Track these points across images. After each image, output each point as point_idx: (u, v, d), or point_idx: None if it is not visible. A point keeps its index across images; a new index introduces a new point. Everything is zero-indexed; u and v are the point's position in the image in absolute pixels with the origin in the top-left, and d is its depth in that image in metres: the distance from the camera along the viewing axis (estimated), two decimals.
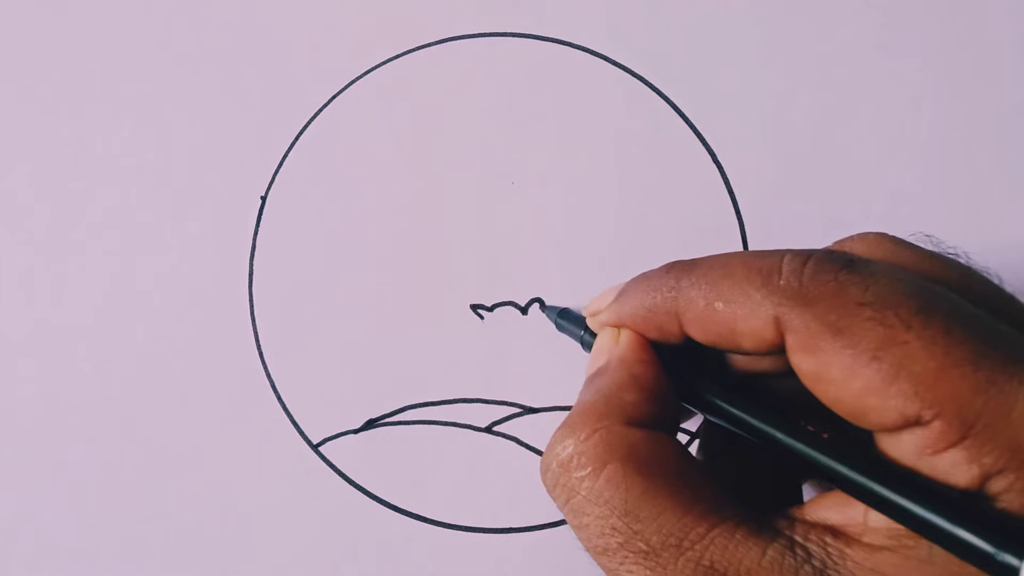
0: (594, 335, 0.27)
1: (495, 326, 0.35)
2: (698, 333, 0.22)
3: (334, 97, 0.37)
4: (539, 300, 0.35)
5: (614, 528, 0.20)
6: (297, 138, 0.36)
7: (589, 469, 0.20)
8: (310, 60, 0.37)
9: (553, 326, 0.33)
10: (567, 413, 0.24)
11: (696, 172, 0.35)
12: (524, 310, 0.35)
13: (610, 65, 0.36)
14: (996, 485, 0.17)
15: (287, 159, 0.36)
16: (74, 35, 0.38)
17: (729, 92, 0.35)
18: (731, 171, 0.35)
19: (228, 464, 0.35)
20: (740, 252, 0.22)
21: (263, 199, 0.36)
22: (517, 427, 0.34)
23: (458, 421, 0.34)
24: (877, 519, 0.19)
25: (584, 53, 0.36)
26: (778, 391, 0.23)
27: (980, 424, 0.17)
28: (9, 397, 0.36)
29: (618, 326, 0.24)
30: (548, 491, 0.22)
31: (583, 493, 0.20)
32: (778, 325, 0.20)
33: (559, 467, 0.21)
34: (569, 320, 0.31)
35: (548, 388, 0.34)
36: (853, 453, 0.19)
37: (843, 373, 0.18)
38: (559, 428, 0.22)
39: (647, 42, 0.36)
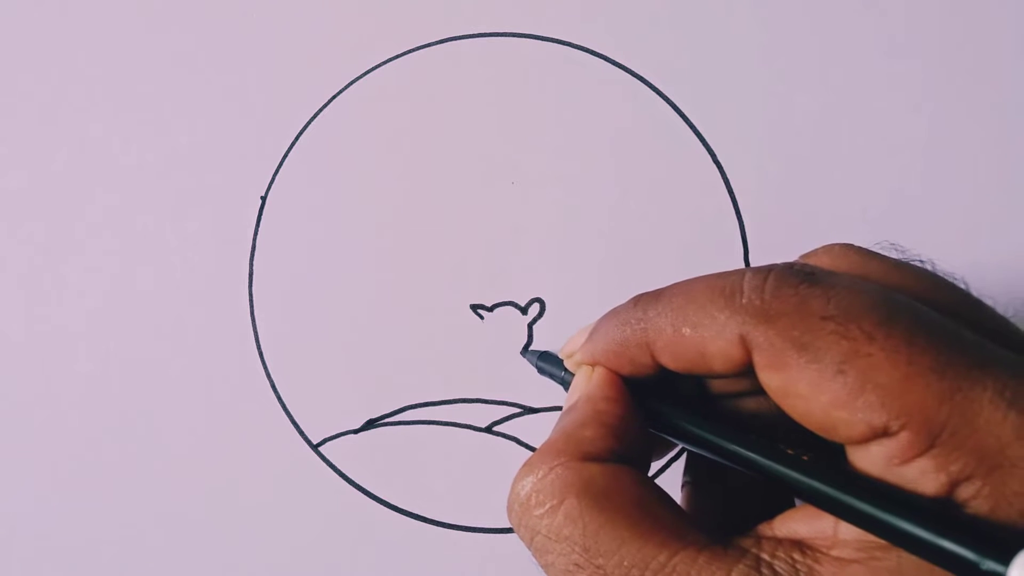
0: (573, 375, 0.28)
1: (495, 326, 0.35)
2: (670, 361, 0.22)
3: (334, 97, 0.37)
4: (539, 300, 0.35)
5: (577, 564, 0.20)
6: (297, 138, 0.36)
7: (547, 506, 0.20)
8: (310, 60, 0.37)
9: (555, 322, 0.33)
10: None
11: (696, 172, 0.35)
12: (524, 310, 0.35)
13: (610, 65, 0.36)
14: (964, 492, 0.17)
15: (287, 159, 0.36)
16: (74, 35, 0.38)
17: (729, 92, 0.35)
18: (731, 171, 0.35)
19: (228, 464, 0.35)
20: (703, 276, 0.22)
21: (263, 199, 0.36)
22: (517, 427, 0.34)
23: (458, 421, 0.34)
24: (847, 531, 0.19)
25: (584, 53, 0.36)
26: (760, 412, 0.23)
27: (946, 432, 0.17)
28: (9, 397, 0.36)
29: (592, 364, 0.24)
30: (515, 531, 0.22)
31: (543, 531, 0.20)
32: (744, 344, 0.20)
33: (520, 507, 0.21)
34: (548, 363, 0.31)
35: (548, 388, 0.34)
36: (827, 467, 0.19)
37: (810, 388, 0.19)
38: (520, 468, 0.22)
39: (647, 42, 0.36)
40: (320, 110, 0.36)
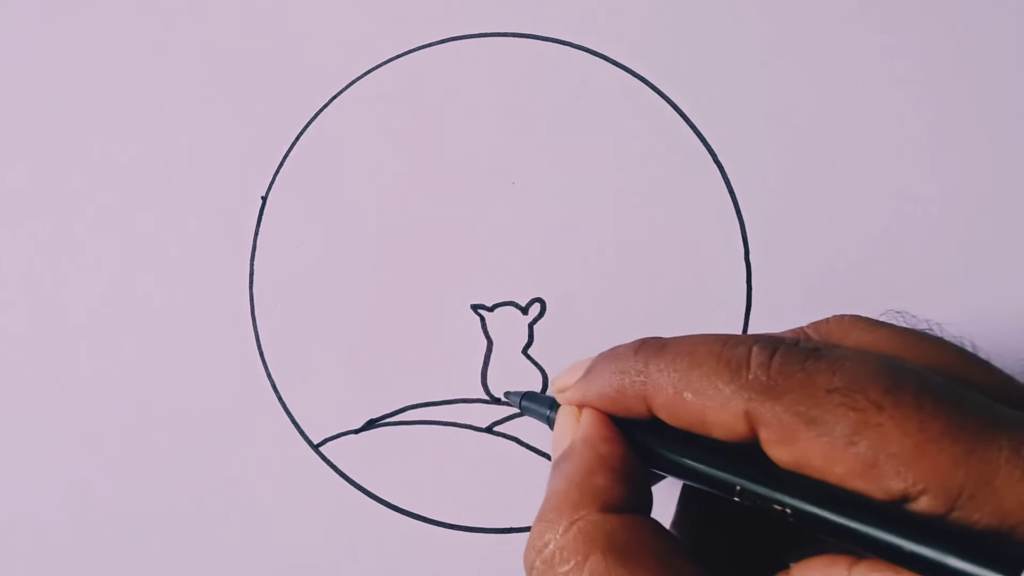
0: None
1: (495, 326, 0.35)
2: (667, 417, 0.22)
3: (334, 97, 0.37)
4: (539, 300, 0.35)
5: None
6: (297, 138, 0.36)
7: (572, 563, 0.20)
8: (310, 60, 0.37)
9: (556, 322, 0.33)
10: None
11: (696, 172, 0.35)
12: (524, 310, 0.35)
13: (610, 65, 0.36)
14: None
15: (287, 159, 0.36)
16: (74, 35, 0.38)
17: (729, 92, 0.35)
18: (731, 171, 0.35)
19: (228, 464, 0.35)
20: (707, 338, 0.21)
21: (263, 199, 0.36)
22: (517, 427, 0.34)
23: (458, 421, 0.34)
24: None
25: (584, 53, 0.36)
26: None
27: (965, 495, 0.17)
28: (9, 397, 0.36)
29: (583, 405, 0.24)
30: None
31: None
32: (749, 419, 0.20)
33: (543, 564, 0.21)
34: (534, 402, 0.31)
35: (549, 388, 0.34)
36: (864, 507, 0.19)
37: (823, 461, 0.19)
38: (536, 522, 0.22)
39: (647, 42, 0.36)
40: (320, 110, 0.36)
